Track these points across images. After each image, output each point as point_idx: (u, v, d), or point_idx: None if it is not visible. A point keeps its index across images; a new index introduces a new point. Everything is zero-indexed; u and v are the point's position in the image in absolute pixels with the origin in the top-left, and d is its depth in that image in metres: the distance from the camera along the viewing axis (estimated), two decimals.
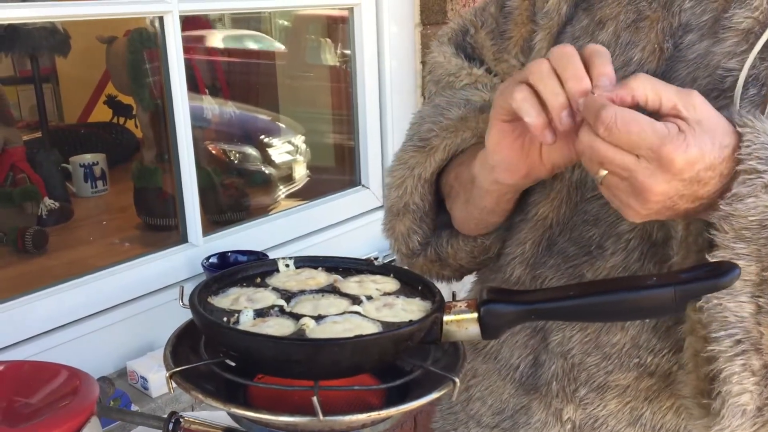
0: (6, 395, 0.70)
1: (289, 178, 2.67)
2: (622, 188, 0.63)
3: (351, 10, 1.84)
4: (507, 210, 0.83)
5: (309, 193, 2.56)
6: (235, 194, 2.28)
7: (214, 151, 2.56)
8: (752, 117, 0.64)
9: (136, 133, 3.13)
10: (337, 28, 2.65)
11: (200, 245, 1.54)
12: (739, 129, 0.63)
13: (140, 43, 2.15)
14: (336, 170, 2.34)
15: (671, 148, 0.59)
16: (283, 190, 2.62)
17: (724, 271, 0.63)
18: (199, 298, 0.70)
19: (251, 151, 2.68)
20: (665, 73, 0.76)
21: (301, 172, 2.70)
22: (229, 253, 1.52)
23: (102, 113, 3.37)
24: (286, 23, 3.52)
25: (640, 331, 0.76)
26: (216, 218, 2.16)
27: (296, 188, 2.61)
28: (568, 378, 0.80)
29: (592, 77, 0.63)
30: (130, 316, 1.42)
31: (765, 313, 0.64)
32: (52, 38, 2.28)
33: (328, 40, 2.88)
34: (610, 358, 0.77)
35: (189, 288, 1.46)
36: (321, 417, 0.59)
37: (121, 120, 3.24)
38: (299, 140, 2.79)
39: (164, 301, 1.46)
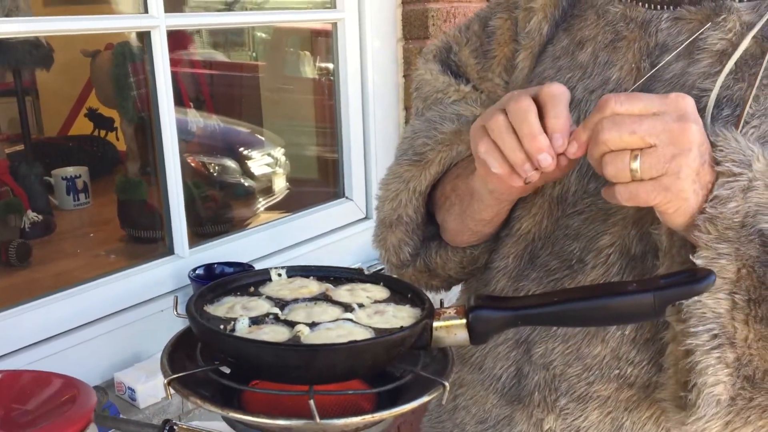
0: (3, 403, 0.71)
1: (268, 191, 2.67)
2: (662, 157, 0.62)
3: (335, 24, 1.87)
4: (502, 221, 0.86)
5: (291, 205, 2.57)
6: (214, 206, 2.29)
7: (193, 164, 2.56)
8: (723, 129, 0.67)
9: (117, 146, 3.13)
10: (318, 41, 2.67)
11: (186, 257, 1.56)
12: (712, 138, 0.66)
13: (124, 57, 2.16)
14: (319, 182, 2.36)
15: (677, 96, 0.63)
16: (262, 203, 2.62)
17: (701, 278, 0.66)
18: (196, 307, 0.72)
19: (230, 163, 2.68)
20: (642, 92, 0.77)
21: (280, 185, 2.71)
22: (216, 265, 1.53)
23: (82, 126, 3.37)
24: (264, 36, 3.54)
25: (620, 343, 0.78)
26: (196, 230, 2.16)
27: (276, 200, 2.62)
28: (549, 388, 0.82)
29: (546, 130, 0.65)
30: (118, 328, 1.42)
31: (739, 309, 0.67)
32: (36, 52, 2.29)
33: (307, 53, 2.91)
34: (591, 369, 0.79)
35: (172, 299, 1.47)
36: (318, 420, 0.61)
37: (102, 133, 3.23)
38: (279, 153, 2.80)
39: (151, 312, 1.47)
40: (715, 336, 0.68)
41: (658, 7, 0.82)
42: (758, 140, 0.71)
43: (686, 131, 0.62)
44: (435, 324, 0.70)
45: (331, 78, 1.97)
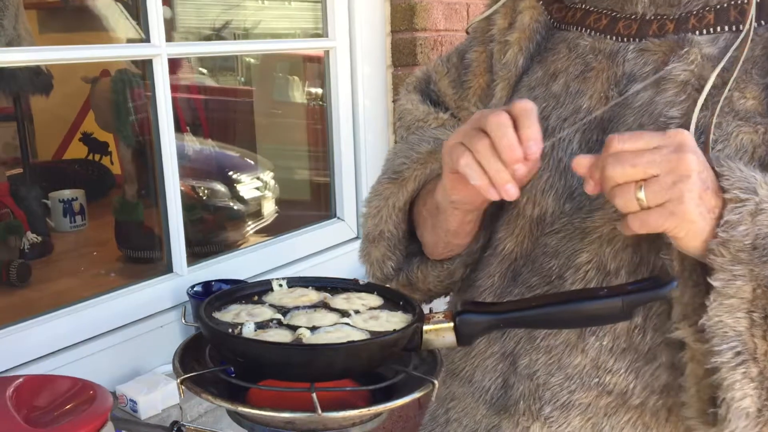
0: (26, 404, 0.77)
1: (257, 214, 2.72)
2: (664, 184, 0.67)
3: (327, 52, 1.95)
4: (470, 232, 0.90)
5: (282, 226, 2.62)
6: (203, 230, 2.34)
7: (182, 188, 2.61)
8: (727, 160, 0.72)
9: (112, 170, 3.19)
10: (309, 66, 2.75)
11: (185, 275, 1.61)
12: (717, 168, 0.71)
13: (124, 83, 2.24)
14: (311, 203, 2.43)
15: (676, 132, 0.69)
16: (251, 226, 2.66)
17: (664, 284, 0.73)
18: (206, 314, 0.78)
19: (220, 187, 2.72)
20: (611, 119, 0.85)
21: (269, 208, 2.75)
22: (213, 282, 1.59)
23: (76, 150, 3.43)
24: (253, 61, 3.63)
25: (599, 353, 0.82)
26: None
27: (265, 224, 2.66)
28: (534, 397, 0.85)
29: (521, 140, 0.71)
30: (119, 342, 1.48)
31: (757, 326, 0.71)
32: (37, 79, 2.36)
33: (296, 78, 2.98)
34: (572, 378, 0.83)
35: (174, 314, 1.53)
36: (320, 412, 0.67)
37: (97, 157, 3.30)
38: (268, 176, 2.85)
39: (151, 327, 1.52)
40: (739, 353, 0.72)
41: (625, 39, 0.87)
42: None
43: (684, 160, 0.67)
44: (425, 327, 0.76)
45: (322, 103, 2.05)
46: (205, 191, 2.65)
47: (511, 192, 0.72)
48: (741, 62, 0.79)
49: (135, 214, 2.22)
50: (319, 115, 2.10)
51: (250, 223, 2.68)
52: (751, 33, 0.80)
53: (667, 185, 0.67)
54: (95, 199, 2.84)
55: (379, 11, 1.98)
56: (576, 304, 0.74)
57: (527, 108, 0.72)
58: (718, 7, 0.84)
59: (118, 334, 1.48)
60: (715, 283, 0.71)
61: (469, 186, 0.76)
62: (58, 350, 1.42)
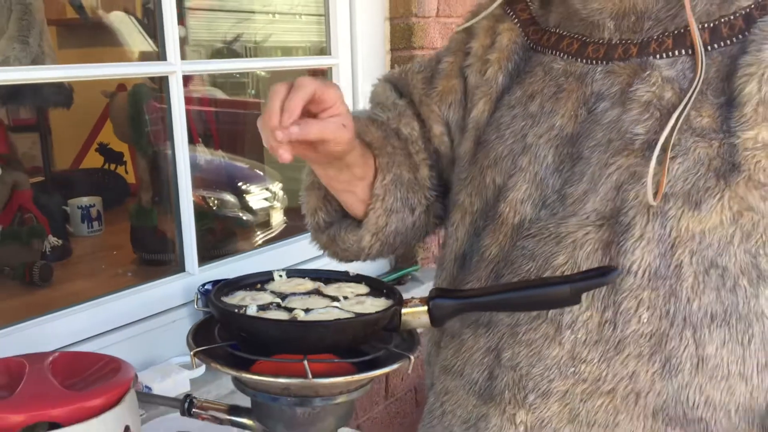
0: (61, 373, 0.89)
1: (266, 224, 2.80)
2: None
3: (330, 69, 2.08)
4: (344, 189, 0.99)
5: (288, 231, 2.70)
6: (213, 240, 2.44)
7: (193, 198, 2.72)
8: None
9: (127, 179, 3.34)
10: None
11: (196, 274, 1.74)
12: None
13: (140, 97, 2.38)
14: None
15: None
16: (260, 236, 2.75)
17: (607, 272, 0.83)
18: (215, 297, 0.91)
19: (230, 197, 2.81)
20: (580, 134, 0.92)
21: (278, 219, 2.83)
22: (222, 281, 1.71)
23: (93, 160, 3.57)
24: (264, 74, 3.74)
25: (574, 345, 0.89)
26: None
27: (273, 234, 2.74)
28: (518, 387, 0.93)
29: (283, 109, 0.78)
30: (135, 336, 1.59)
31: None
32: (58, 93, 2.50)
33: None
34: (551, 368, 0.90)
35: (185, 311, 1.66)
36: (310, 378, 0.79)
37: (113, 166, 3.44)
38: (277, 187, 2.93)
39: (165, 322, 1.64)
40: None
41: (593, 62, 0.95)
42: (682, 175, 0.84)
43: None
44: (403, 310, 0.87)
45: None
46: (216, 201, 2.73)
47: (283, 156, 0.80)
48: (696, 84, 0.86)
49: (150, 220, 2.35)
50: None
51: (259, 233, 2.76)
52: (703, 57, 0.87)
53: None
54: (111, 206, 2.97)
55: (379, 31, 2.10)
56: (531, 291, 0.86)
57: (301, 84, 0.79)
58: (676, 32, 0.91)
59: (135, 328, 1.60)
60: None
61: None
62: (79, 341, 1.53)
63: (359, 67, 2.08)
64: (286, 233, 2.76)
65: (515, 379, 0.93)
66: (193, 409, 0.97)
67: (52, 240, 2.34)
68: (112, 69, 1.67)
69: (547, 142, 0.95)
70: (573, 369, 0.90)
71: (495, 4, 1.06)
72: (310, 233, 1.11)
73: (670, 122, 0.86)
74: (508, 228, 0.95)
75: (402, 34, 2.10)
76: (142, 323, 1.62)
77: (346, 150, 0.90)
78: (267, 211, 2.84)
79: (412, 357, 0.85)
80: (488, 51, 1.05)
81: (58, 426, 0.79)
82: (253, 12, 3.67)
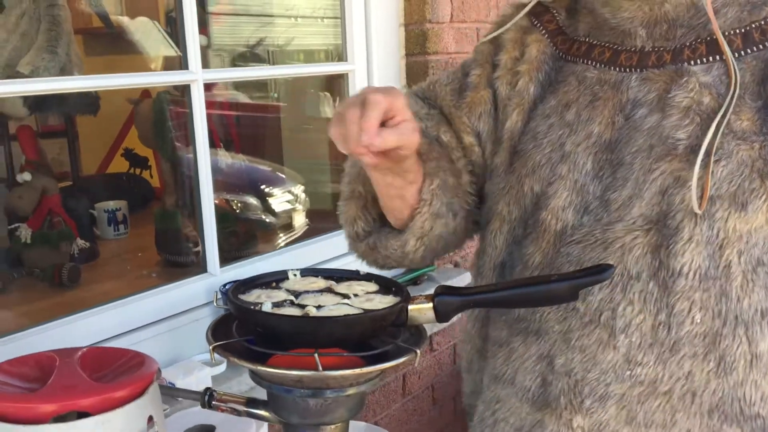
0: (89, 366, 0.95)
1: (289, 227, 2.83)
2: None
3: (346, 75, 2.13)
4: (398, 196, 0.99)
5: (308, 232, 2.73)
6: (236, 243, 2.48)
7: (217, 201, 2.77)
8: None
9: (151, 183, 3.42)
10: (333, 82, 2.90)
11: (218, 275, 1.80)
12: None
13: (164, 104, 2.45)
14: (334, 212, 2.58)
15: None
16: (283, 238, 2.78)
17: (603, 270, 0.87)
18: (233, 295, 0.96)
19: (252, 200, 2.85)
20: (619, 141, 0.94)
21: (300, 221, 2.85)
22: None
23: (118, 165, 3.66)
24: (287, 78, 3.80)
25: (629, 348, 0.91)
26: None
27: (296, 236, 2.76)
28: (574, 392, 0.93)
29: (361, 128, 0.80)
30: (159, 334, 1.64)
31: None
32: (86, 101, 2.59)
33: (327, 94, 3.13)
34: (607, 372, 0.92)
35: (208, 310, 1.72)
36: (320, 370, 0.84)
37: (138, 171, 3.53)
38: (299, 190, 2.96)
39: (188, 321, 1.69)
40: None
41: (627, 70, 0.96)
42: (727, 177, 0.87)
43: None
44: (410, 307, 0.92)
45: None
46: (239, 204, 2.77)
47: (367, 161, 0.85)
48: (733, 89, 0.88)
49: (174, 222, 2.42)
50: None
51: (281, 235, 2.79)
52: (735, 64, 0.89)
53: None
54: (136, 210, 3.04)
55: (393, 37, 2.14)
56: (531, 288, 0.90)
57: (373, 102, 0.81)
58: (709, 39, 0.92)
59: (159, 326, 1.65)
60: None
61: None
62: (106, 339, 1.58)
63: (375, 73, 2.12)
64: (309, 235, 2.77)
65: (570, 385, 0.94)
66: (213, 402, 1.02)
67: (80, 243, 2.42)
68: (135, 79, 1.73)
69: (586, 149, 0.97)
70: (629, 372, 0.91)
71: (520, 15, 1.08)
72: (348, 243, 1.11)
73: (711, 127, 0.87)
74: (551, 235, 0.97)
75: (416, 40, 2.14)
76: (166, 322, 1.67)
77: (410, 154, 0.91)
78: (289, 214, 2.87)
79: (418, 351, 0.90)
80: (517, 63, 1.07)
81: (87, 415, 0.84)
82: (275, 16, 3.73)
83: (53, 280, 2.27)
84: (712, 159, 0.87)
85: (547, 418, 0.97)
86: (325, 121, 3.10)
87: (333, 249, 2.08)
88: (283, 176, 3.12)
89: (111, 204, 2.84)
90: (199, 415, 1.27)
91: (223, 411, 1.01)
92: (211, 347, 0.91)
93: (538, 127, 1.02)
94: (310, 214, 2.84)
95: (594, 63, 1.00)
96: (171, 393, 1.09)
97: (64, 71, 2.31)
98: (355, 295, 0.97)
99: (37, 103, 2.55)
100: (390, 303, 0.94)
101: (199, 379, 1.57)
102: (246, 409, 0.99)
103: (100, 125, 3.43)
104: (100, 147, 3.67)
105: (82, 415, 0.84)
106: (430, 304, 0.93)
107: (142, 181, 3.40)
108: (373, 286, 1.02)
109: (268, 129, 3.46)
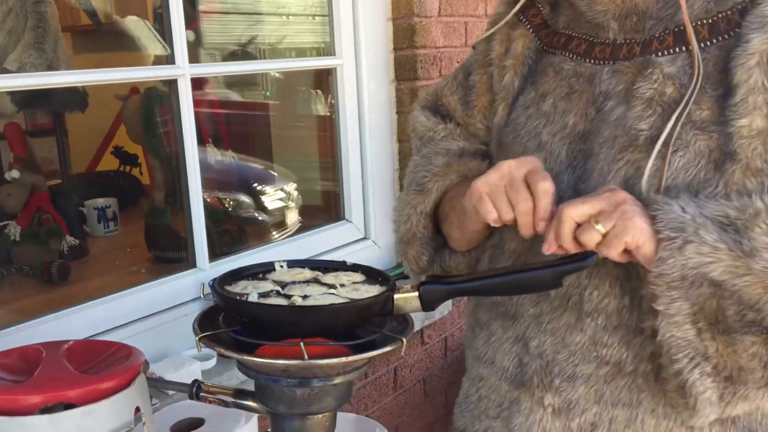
0: (76, 359, 0.95)
1: (281, 224, 2.82)
2: (610, 212, 0.85)
3: (335, 69, 2.12)
4: (488, 230, 1.07)
5: (300, 230, 2.75)
6: (228, 241, 2.49)
7: (209, 199, 2.77)
8: (660, 202, 0.86)
9: (141, 180, 3.41)
10: (323, 79, 2.90)
11: (207, 270, 1.80)
12: (651, 212, 0.86)
13: (152, 101, 2.45)
14: (322, 208, 2.60)
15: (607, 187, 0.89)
16: (276, 236, 2.75)
17: (584, 257, 0.89)
18: (219, 286, 0.97)
19: (244, 198, 2.83)
20: (591, 132, 0.99)
21: (293, 218, 2.84)
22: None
23: (108, 162, 3.65)
24: (277, 75, 3.79)
25: (595, 331, 0.96)
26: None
27: (289, 233, 2.72)
28: (545, 372, 1.00)
29: (536, 212, 0.89)
30: (149, 329, 1.64)
31: (704, 331, 0.86)
32: (73, 97, 2.58)
33: (318, 91, 3.13)
34: (575, 354, 0.98)
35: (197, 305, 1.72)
36: (306, 359, 0.85)
37: (127, 168, 3.52)
38: (291, 187, 2.94)
39: (177, 316, 1.69)
40: (692, 358, 0.86)
41: (600, 62, 1.00)
42: (683, 167, 0.89)
43: (617, 193, 0.87)
44: (396, 296, 0.93)
45: (331, 115, 2.22)
46: (231, 203, 2.76)
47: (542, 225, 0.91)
48: (695, 81, 0.90)
49: (163, 219, 2.42)
50: (329, 126, 2.28)
51: (274, 233, 2.78)
52: (699, 56, 0.91)
53: (611, 211, 0.85)
54: (126, 207, 3.04)
55: (381, 31, 2.14)
56: (515, 275, 0.92)
57: (546, 191, 0.89)
58: (676, 30, 0.95)
59: (148, 322, 1.65)
60: (658, 308, 0.86)
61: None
62: (95, 334, 1.58)
63: (363, 68, 2.12)
64: (301, 232, 2.80)
65: (542, 366, 1.00)
66: (201, 393, 1.02)
67: (70, 240, 2.41)
68: (122, 73, 1.72)
69: (561, 140, 1.01)
70: (596, 353, 0.97)
71: (511, 13, 1.11)
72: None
73: (672, 119, 0.90)
74: None
75: (404, 34, 2.15)
76: (155, 317, 1.67)
77: None
78: (282, 211, 2.87)
79: (404, 340, 0.90)
80: (504, 58, 1.11)
81: (73, 406, 0.85)
82: (266, 14, 3.73)
83: (42, 277, 2.27)
84: (670, 149, 0.90)
85: (522, 395, 1.03)
86: (315, 118, 3.11)
87: (323, 244, 2.09)
88: (275, 174, 3.12)
89: (100, 201, 2.84)
90: (188, 408, 1.28)
91: (211, 402, 1.01)
92: (197, 338, 0.91)
93: (518, 118, 1.07)
94: (302, 211, 2.84)
95: (571, 55, 1.04)
96: (159, 385, 1.09)
97: (51, 68, 2.30)
98: (342, 285, 0.98)
99: (24, 100, 2.54)
100: (376, 292, 0.94)
101: (188, 373, 1.57)
102: (234, 400, 1.00)
103: (90, 123, 3.42)
104: (89, 145, 3.66)
105: (69, 406, 0.85)
106: (416, 293, 0.94)
107: (131, 179, 3.40)
108: (359, 277, 1.02)
109: (258, 127, 3.46)
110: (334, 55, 2.10)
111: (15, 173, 2.41)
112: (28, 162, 2.54)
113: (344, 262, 1.05)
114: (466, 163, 1.11)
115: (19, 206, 2.42)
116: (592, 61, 1.01)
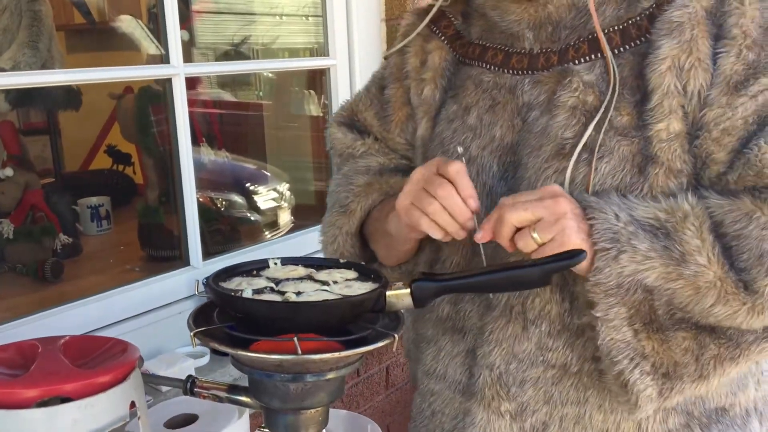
0: (72, 354, 0.96)
1: (274, 224, 2.85)
2: (549, 223, 0.86)
3: (328, 69, 2.14)
4: (417, 247, 1.10)
5: (294, 230, 2.76)
6: (221, 240, 2.51)
7: (201, 199, 2.78)
8: (597, 208, 0.88)
9: (134, 179, 3.42)
10: (316, 79, 2.92)
11: (200, 268, 1.81)
12: (589, 221, 0.87)
13: (146, 100, 2.46)
14: (315, 207, 2.61)
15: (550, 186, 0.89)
16: (269, 236, 2.79)
17: (574, 255, 0.89)
18: (214, 283, 0.98)
19: (237, 198, 2.85)
20: (519, 143, 1.00)
21: (285, 218, 2.86)
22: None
23: (102, 161, 3.65)
24: (270, 75, 3.81)
25: (540, 337, 0.98)
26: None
27: (282, 233, 2.76)
28: (499, 384, 1.02)
29: (462, 199, 0.90)
30: (142, 326, 1.65)
31: (641, 332, 0.88)
32: (67, 96, 2.59)
33: (311, 92, 3.16)
34: (523, 361, 1.00)
35: (190, 303, 1.73)
36: (300, 354, 0.86)
37: (121, 167, 3.52)
38: (284, 187, 2.97)
39: (171, 314, 1.71)
40: (632, 359, 0.89)
41: (520, 72, 1.00)
42: (610, 173, 0.91)
43: (559, 203, 0.87)
44: (388, 293, 0.93)
45: (324, 115, 2.23)
46: (224, 203, 2.78)
47: (473, 237, 0.93)
48: (611, 89, 0.92)
49: (157, 217, 2.43)
50: (322, 127, 2.30)
51: (267, 233, 2.81)
52: (614, 64, 0.93)
53: (551, 223, 0.86)
54: (119, 205, 3.05)
55: (375, 32, 2.16)
56: (504, 273, 0.92)
57: (458, 170, 0.90)
58: (590, 37, 0.97)
59: (142, 319, 1.66)
60: (597, 314, 0.89)
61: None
62: (89, 332, 1.59)
63: (356, 68, 2.14)
64: (294, 232, 2.81)
65: (493, 377, 1.02)
66: (195, 389, 1.03)
67: (63, 238, 2.42)
68: (116, 72, 1.74)
69: (491, 153, 1.02)
70: (542, 358, 0.99)
71: (422, 24, 1.11)
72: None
73: (591, 125, 0.92)
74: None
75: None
76: (148, 315, 1.68)
77: None
78: (275, 211, 2.89)
79: (396, 336, 0.91)
80: (421, 71, 1.11)
81: (69, 400, 0.86)
82: (260, 14, 3.74)
83: (36, 275, 2.27)
84: (596, 156, 0.92)
85: (474, 406, 1.04)
86: (309, 119, 3.12)
87: (315, 243, 2.08)
88: (268, 174, 3.13)
89: (94, 200, 2.85)
90: (181, 404, 1.29)
91: (205, 398, 1.02)
92: (192, 333, 0.92)
93: (443, 132, 1.07)
94: (295, 211, 2.84)
95: (488, 66, 1.05)
96: (153, 381, 1.10)
97: (45, 67, 2.31)
98: (335, 282, 0.99)
99: (18, 98, 2.55)
100: (368, 289, 0.96)
101: (182, 370, 1.58)
102: (228, 395, 1.01)
103: (83, 122, 3.42)
104: (83, 144, 3.66)
105: (65, 400, 0.86)
106: (408, 290, 0.94)
107: (125, 177, 3.40)
108: (352, 274, 1.03)
109: (251, 127, 3.47)
110: (328, 55, 2.11)
111: (8, 171, 2.42)
112: (21, 160, 2.55)
113: (337, 260, 1.07)
114: (387, 180, 1.11)
115: (12, 204, 2.43)
116: (511, 71, 1.01)
